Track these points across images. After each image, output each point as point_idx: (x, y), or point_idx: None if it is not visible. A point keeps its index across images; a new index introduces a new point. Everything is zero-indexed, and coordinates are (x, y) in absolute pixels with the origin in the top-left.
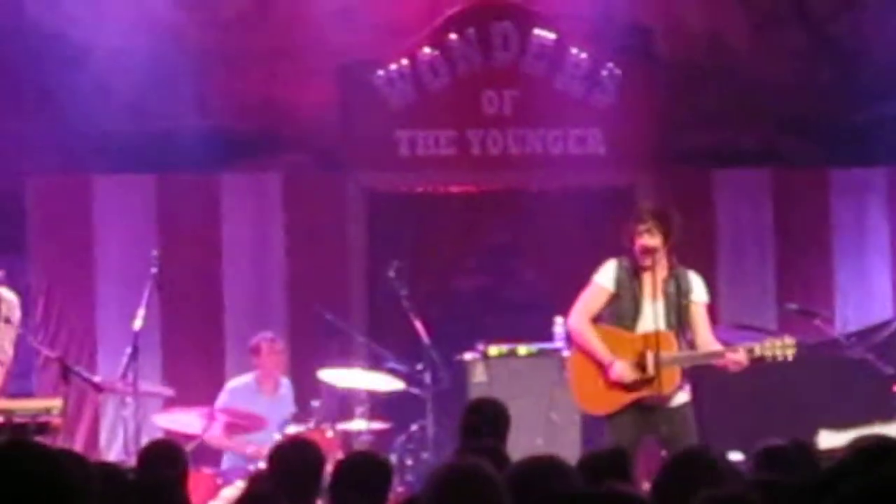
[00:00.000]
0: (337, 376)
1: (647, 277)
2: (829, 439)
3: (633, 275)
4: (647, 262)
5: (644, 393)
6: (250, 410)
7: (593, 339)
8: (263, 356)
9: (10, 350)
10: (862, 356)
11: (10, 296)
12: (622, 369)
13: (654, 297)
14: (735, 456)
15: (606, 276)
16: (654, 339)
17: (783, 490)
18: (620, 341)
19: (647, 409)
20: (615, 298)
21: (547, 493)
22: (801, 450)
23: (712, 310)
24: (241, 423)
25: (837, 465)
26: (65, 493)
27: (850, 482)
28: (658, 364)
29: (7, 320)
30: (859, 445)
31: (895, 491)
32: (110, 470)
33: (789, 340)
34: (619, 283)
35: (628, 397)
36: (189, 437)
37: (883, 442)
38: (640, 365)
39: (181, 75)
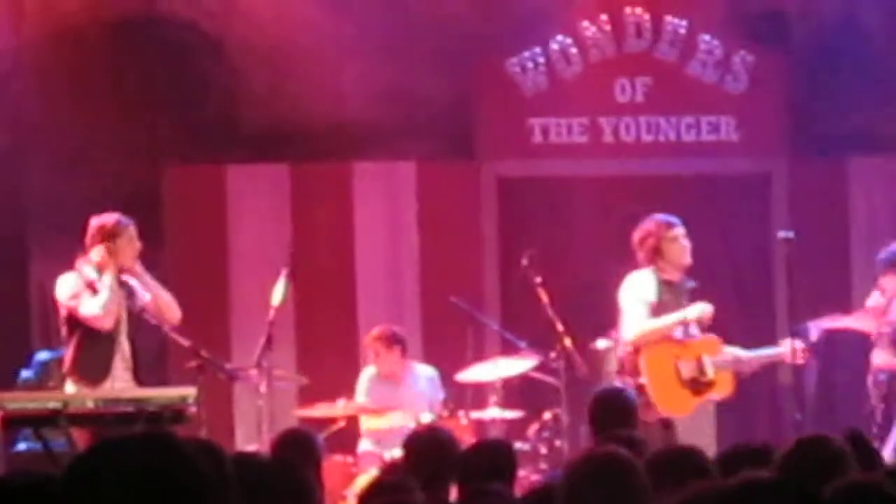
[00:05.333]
0: (475, 374)
1: (674, 284)
2: None
3: (664, 282)
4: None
5: (709, 396)
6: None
7: (657, 320)
8: (376, 359)
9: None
10: None
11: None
12: (703, 307)
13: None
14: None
15: (649, 288)
16: (706, 345)
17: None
18: (679, 347)
19: None
20: (659, 308)
21: (683, 483)
22: None
23: (846, 301)
24: (376, 413)
25: None
26: (199, 485)
27: None
28: (714, 368)
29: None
30: None
31: None
32: (244, 459)
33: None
34: (658, 293)
35: (697, 400)
36: (325, 423)
37: None
38: (700, 369)
39: (314, 66)
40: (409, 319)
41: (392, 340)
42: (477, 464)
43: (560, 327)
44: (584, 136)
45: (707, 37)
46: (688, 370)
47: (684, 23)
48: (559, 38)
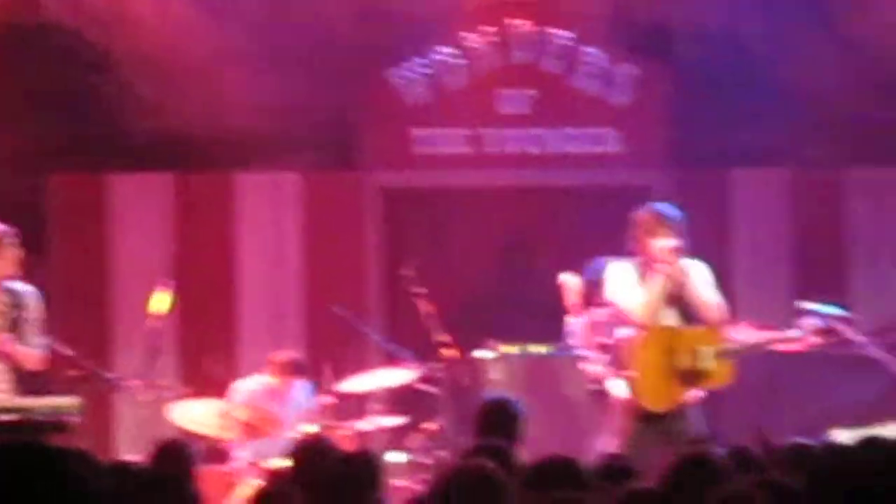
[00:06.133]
0: (356, 384)
1: (659, 277)
2: (842, 437)
3: (645, 276)
4: (671, 260)
5: (702, 386)
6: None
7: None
8: (277, 373)
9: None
10: (876, 355)
11: (27, 289)
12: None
13: (670, 295)
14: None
15: (624, 278)
16: (704, 334)
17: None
18: (676, 337)
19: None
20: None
21: (561, 493)
22: (827, 449)
23: (729, 310)
24: (255, 424)
25: (842, 466)
26: (72, 494)
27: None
28: (712, 357)
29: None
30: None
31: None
32: (121, 467)
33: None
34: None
35: (688, 392)
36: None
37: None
38: (696, 359)
39: (198, 76)
40: (291, 329)
41: (295, 371)
42: (346, 474)
43: (441, 337)
44: (467, 147)
45: (592, 49)
46: (682, 361)
47: (569, 35)
48: (443, 48)
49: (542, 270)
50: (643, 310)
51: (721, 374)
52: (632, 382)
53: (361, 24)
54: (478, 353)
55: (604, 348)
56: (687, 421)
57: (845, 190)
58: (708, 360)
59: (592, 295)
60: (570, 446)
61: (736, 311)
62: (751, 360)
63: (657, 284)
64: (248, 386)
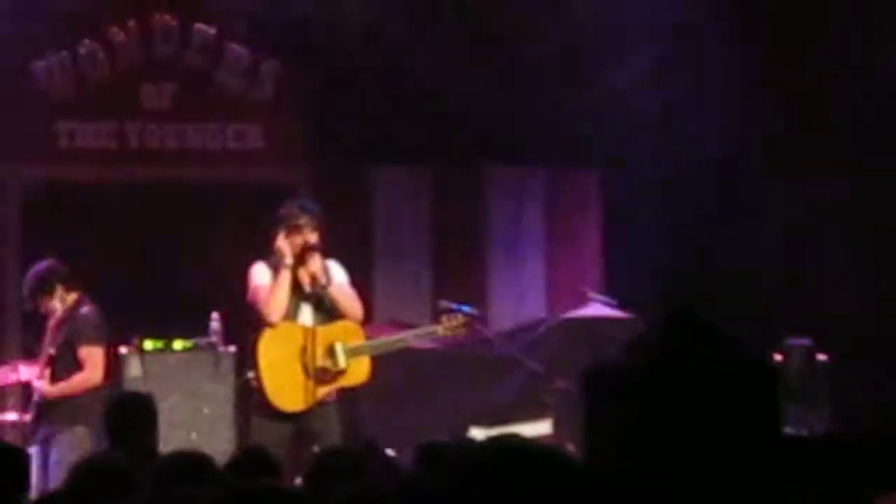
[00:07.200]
0: None
1: (301, 273)
2: (479, 436)
3: (283, 274)
4: (310, 257)
5: (338, 384)
6: None
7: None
8: None
9: None
10: (513, 355)
11: None
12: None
13: (308, 292)
14: (392, 452)
15: (265, 277)
16: (341, 331)
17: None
18: (308, 335)
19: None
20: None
21: (192, 488)
22: (460, 447)
23: (368, 308)
24: None
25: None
26: None
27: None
28: (347, 355)
29: None
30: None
31: None
32: None
33: (454, 322)
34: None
35: (323, 391)
36: None
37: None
38: (331, 357)
39: None
40: None
41: None
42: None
43: None
44: (111, 141)
45: (235, 45)
46: (316, 359)
47: (213, 31)
48: (86, 41)
49: (185, 267)
50: (275, 308)
51: (357, 372)
52: (264, 382)
53: (4, 15)
54: (117, 350)
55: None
56: (325, 419)
57: (485, 188)
58: (343, 358)
59: None
60: (211, 441)
61: (375, 309)
62: (390, 358)
63: (289, 282)
64: None
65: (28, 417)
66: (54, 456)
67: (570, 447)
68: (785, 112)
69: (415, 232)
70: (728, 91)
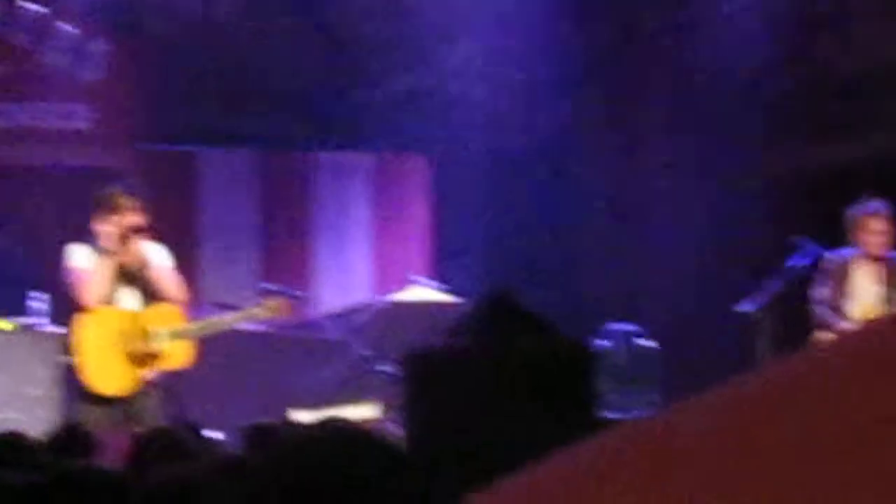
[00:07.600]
0: None
1: (123, 256)
2: (300, 419)
3: (105, 256)
4: (132, 240)
5: (159, 367)
6: None
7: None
8: None
9: None
10: (339, 337)
11: None
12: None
13: (130, 275)
14: (216, 434)
15: (82, 259)
16: (162, 314)
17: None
18: (127, 319)
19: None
20: None
21: (6, 468)
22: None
23: (194, 291)
24: None
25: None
26: None
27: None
28: (168, 338)
29: None
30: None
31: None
32: None
33: (273, 304)
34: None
35: (144, 374)
36: None
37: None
38: (151, 340)
39: None
40: None
41: None
42: None
43: None
44: None
45: (63, 24)
46: (136, 342)
47: (41, 9)
48: None
49: (4, 246)
50: (93, 291)
51: (178, 355)
52: (83, 366)
53: None
54: None
55: None
56: (148, 403)
57: (312, 171)
58: (162, 340)
59: None
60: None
61: (201, 291)
62: (215, 341)
63: (111, 264)
64: None
65: None
66: None
67: (395, 430)
68: (607, 98)
69: (242, 215)
70: (555, 76)
